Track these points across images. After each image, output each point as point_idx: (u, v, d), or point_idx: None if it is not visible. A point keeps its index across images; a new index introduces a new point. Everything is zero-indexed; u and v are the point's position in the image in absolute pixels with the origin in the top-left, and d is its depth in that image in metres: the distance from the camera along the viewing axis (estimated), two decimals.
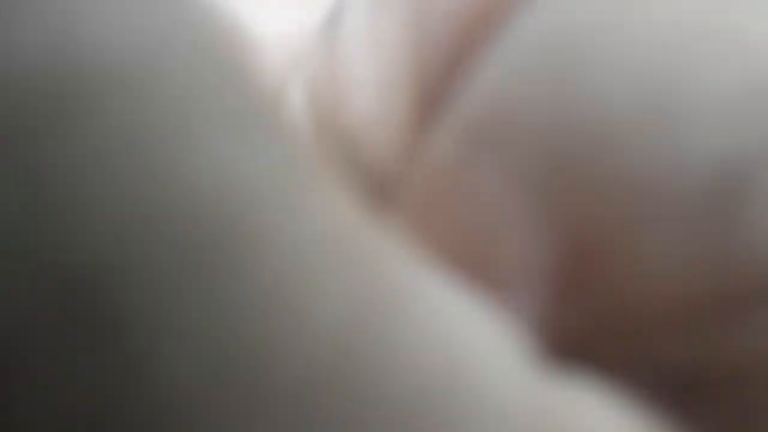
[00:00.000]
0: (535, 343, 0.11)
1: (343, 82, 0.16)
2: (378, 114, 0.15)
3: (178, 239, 0.10)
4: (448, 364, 0.09)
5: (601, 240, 0.11)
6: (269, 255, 0.09)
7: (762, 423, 0.10)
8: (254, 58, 0.11)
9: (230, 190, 0.09)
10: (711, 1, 0.10)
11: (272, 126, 0.10)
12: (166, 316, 0.09)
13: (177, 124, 0.10)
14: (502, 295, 0.11)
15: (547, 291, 0.11)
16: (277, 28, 0.17)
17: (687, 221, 0.10)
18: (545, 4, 0.12)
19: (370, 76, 0.15)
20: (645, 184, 0.10)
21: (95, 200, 0.10)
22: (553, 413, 0.09)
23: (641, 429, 0.10)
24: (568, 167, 0.11)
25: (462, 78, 0.13)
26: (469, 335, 0.10)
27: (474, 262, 0.12)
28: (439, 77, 0.14)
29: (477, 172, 0.12)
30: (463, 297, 0.10)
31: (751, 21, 0.10)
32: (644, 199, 0.10)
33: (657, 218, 0.10)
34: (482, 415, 0.09)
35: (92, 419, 0.09)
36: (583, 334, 0.11)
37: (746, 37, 0.10)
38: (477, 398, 0.09)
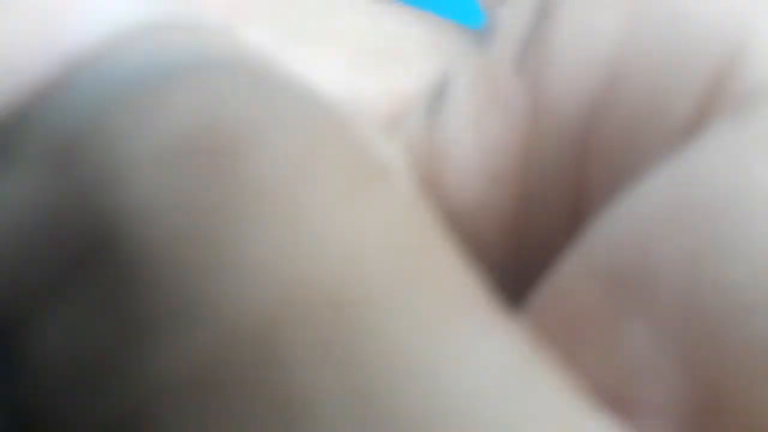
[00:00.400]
0: None
1: (444, 159, 0.16)
2: (477, 207, 0.15)
3: None
4: None
5: (726, 390, 0.12)
6: None
7: None
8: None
9: None
10: None
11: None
12: None
13: None
14: (635, 427, 0.12)
15: (675, 429, 0.12)
16: (371, 94, 0.17)
17: None
18: (694, 159, 0.13)
19: (475, 165, 0.15)
20: (763, 351, 0.11)
21: None
22: None
23: None
24: (701, 326, 0.12)
25: (579, 209, 0.14)
26: None
27: (608, 397, 0.13)
28: (550, 188, 0.15)
29: (618, 316, 0.13)
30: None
31: None
32: (762, 363, 0.12)
33: (749, 367, 0.12)
34: None
35: None
36: None
37: None
38: None
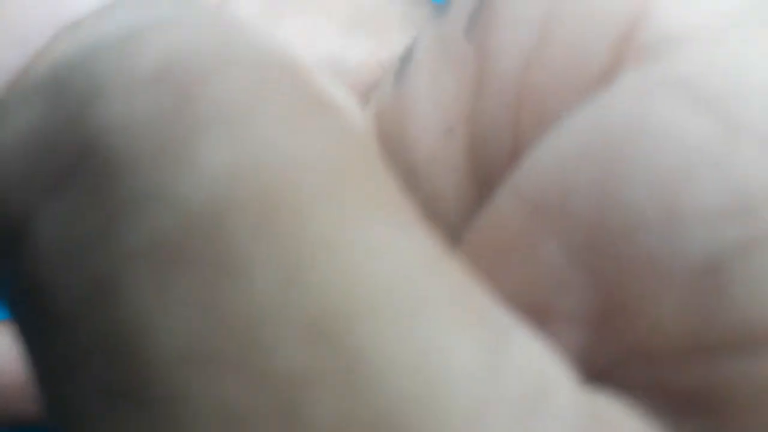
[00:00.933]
0: (573, 368, 0.14)
1: (407, 116, 0.18)
2: (436, 156, 0.17)
3: None
4: (538, 378, 0.12)
5: (628, 296, 0.14)
6: None
7: None
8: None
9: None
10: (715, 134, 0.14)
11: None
12: None
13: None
14: (550, 333, 0.15)
15: (585, 331, 0.14)
16: (358, 59, 0.19)
17: (684, 290, 0.13)
18: (606, 100, 0.15)
19: (432, 119, 0.17)
20: (658, 262, 0.13)
21: None
22: (600, 417, 0.12)
23: None
24: (605, 241, 0.14)
25: (516, 150, 0.17)
26: (542, 352, 0.12)
27: (528, 309, 0.15)
28: (492, 135, 0.17)
29: (536, 239, 0.15)
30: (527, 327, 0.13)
31: (741, 151, 0.13)
32: (657, 272, 0.14)
33: (665, 286, 0.13)
34: (551, 414, 0.12)
35: None
36: (608, 363, 0.14)
37: (734, 165, 0.13)
38: (551, 402, 0.12)
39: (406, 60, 0.18)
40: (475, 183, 0.17)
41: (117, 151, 0.13)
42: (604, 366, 0.14)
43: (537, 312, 0.15)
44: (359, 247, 0.12)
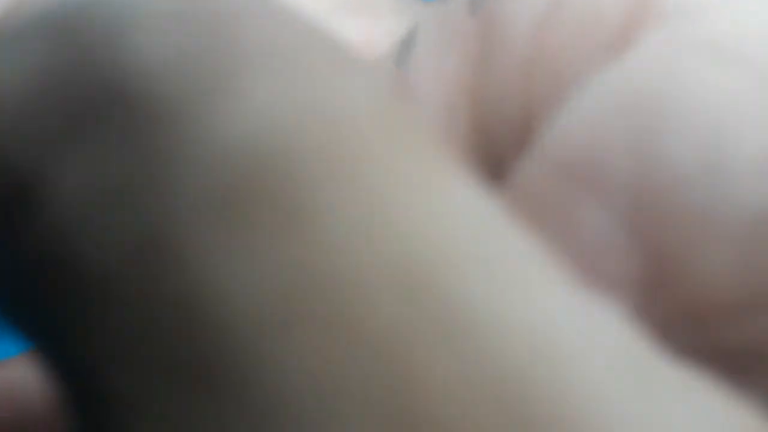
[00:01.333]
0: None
1: (410, 100, 0.17)
2: (439, 129, 0.17)
3: None
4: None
5: (677, 254, 0.14)
6: None
7: None
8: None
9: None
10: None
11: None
12: None
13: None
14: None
15: (634, 295, 0.14)
16: (349, 39, 0.18)
17: (737, 242, 0.13)
18: (635, 61, 0.15)
19: (434, 97, 0.17)
20: (707, 216, 0.13)
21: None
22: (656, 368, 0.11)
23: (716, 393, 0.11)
24: (648, 200, 0.14)
25: (529, 118, 0.16)
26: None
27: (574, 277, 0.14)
28: (500, 105, 0.17)
29: (574, 204, 0.14)
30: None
31: None
32: (706, 227, 0.13)
33: (714, 240, 0.13)
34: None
35: None
36: (661, 324, 0.14)
37: None
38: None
39: (407, 43, 0.18)
40: (480, 159, 0.17)
41: (156, 92, 0.11)
42: (655, 331, 0.14)
43: (580, 278, 0.14)
44: (435, 198, 0.11)
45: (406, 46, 0.18)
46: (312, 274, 0.10)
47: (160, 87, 0.11)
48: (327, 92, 0.11)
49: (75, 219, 0.11)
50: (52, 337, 0.11)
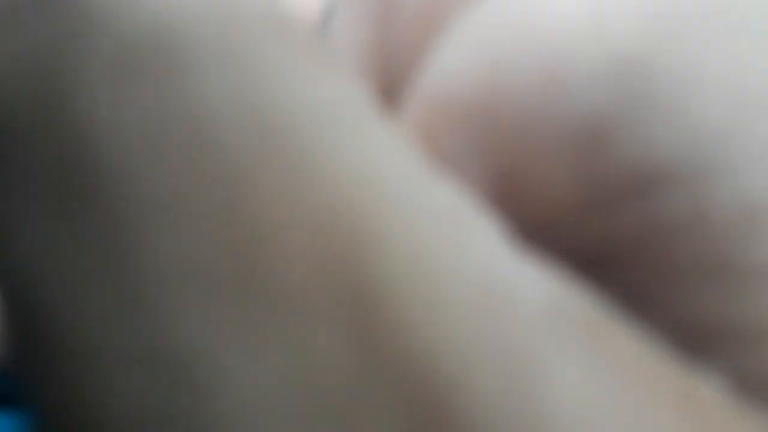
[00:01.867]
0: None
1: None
2: None
3: None
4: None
5: (521, 168, 0.16)
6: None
7: (655, 286, 0.14)
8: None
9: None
10: None
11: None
12: None
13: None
14: None
15: (488, 201, 0.16)
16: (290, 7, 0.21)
17: (566, 153, 0.15)
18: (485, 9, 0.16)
19: (350, 59, 0.19)
20: (545, 129, 0.15)
21: None
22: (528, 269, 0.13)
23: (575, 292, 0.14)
24: (497, 122, 0.16)
25: (419, 64, 0.19)
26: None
27: None
28: (398, 61, 0.19)
29: (440, 132, 0.16)
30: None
31: (610, 22, 0.15)
32: (544, 139, 0.15)
33: (549, 152, 0.15)
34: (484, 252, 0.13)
35: None
36: (522, 239, 0.16)
37: (605, 33, 0.15)
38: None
39: (328, 13, 0.21)
40: (387, 100, 0.19)
41: None
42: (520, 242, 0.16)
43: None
44: (301, 77, 0.13)
45: (326, 15, 0.20)
46: (177, 113, 0.12)
47: None
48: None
49: None
50: None
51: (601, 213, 0.14)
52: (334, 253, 0.12)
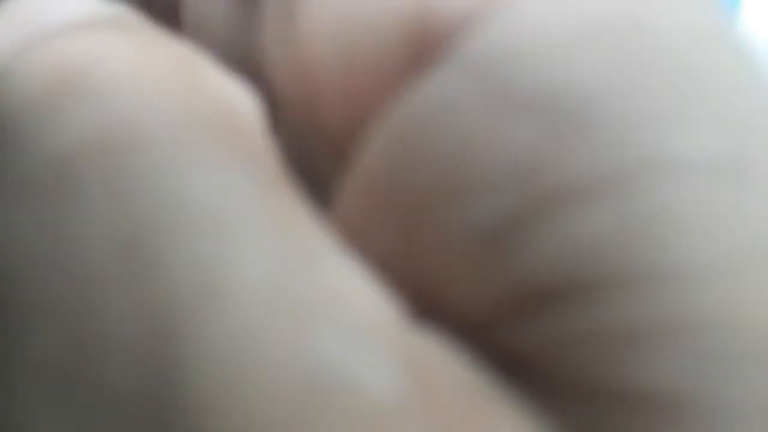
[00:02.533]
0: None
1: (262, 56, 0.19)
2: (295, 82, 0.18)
3: None
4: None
5: (437, 271, 0.15)
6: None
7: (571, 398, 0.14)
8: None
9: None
10: None
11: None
12: None
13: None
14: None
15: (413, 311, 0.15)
16: None
17: (476, 257, 0.14)
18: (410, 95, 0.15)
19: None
20: (452, 236, 0.14)
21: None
22: (416, 345, 0.13)
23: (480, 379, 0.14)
24: (414, 222, 0.15)
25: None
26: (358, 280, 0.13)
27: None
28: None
29: (372, 219, 0.16)
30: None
31: (507, 122, 0.14)
32: (452, 245, 0.14)
33: (461, 257, 0.14)
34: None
35: None
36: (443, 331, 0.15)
37: (502, 135, 0.14)
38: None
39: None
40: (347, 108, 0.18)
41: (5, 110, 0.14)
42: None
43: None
44: (178, 181, 0.13)
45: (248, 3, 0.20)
46: (57, 229, 0.13)
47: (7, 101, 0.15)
48: (135, 115, 0.14)
49: None
50: None
51: (514, 321, 0.14)
52: (154, 354, 0.13)
